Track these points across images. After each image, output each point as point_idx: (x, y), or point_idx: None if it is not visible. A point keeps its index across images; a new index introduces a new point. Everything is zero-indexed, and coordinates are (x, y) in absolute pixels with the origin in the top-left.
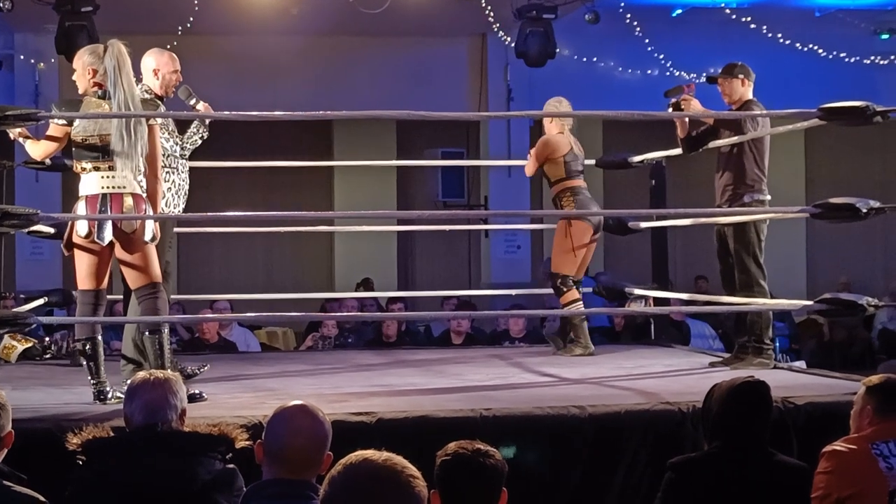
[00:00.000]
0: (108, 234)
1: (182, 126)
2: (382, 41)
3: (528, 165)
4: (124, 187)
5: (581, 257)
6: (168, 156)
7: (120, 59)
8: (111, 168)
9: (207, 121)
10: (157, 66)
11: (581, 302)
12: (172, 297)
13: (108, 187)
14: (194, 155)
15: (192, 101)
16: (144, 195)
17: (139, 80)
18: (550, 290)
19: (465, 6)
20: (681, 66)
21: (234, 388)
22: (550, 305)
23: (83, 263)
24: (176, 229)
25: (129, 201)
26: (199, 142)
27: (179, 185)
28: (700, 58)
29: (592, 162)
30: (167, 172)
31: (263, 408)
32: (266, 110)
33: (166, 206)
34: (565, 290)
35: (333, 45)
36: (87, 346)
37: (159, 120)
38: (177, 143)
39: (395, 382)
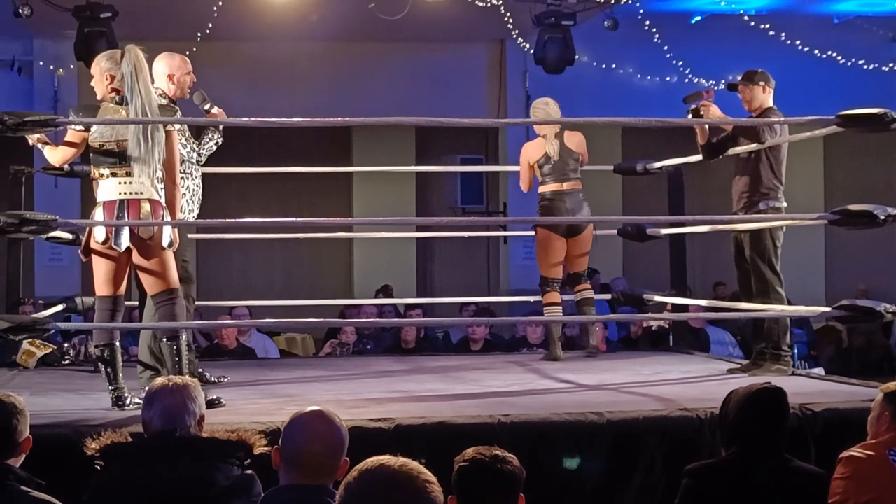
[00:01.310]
0: (125, 241)
1: (197, 132)
2: (401, 47)
3: (522, 181)
4: (141, 193)
5: (555, 260)
6: (184, 161)
7: (137, 65)
8: (128, 174)
9: (220, 126)
10: (172, 71)
11: (559, 307)
12: None
13: (125, 193)
14: (213, 161)
15: (207, 106)
16: (163, 201)
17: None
18: (570, 297)
19: (483, 13)
20: (699, 73)
21: (252, 394)
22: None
23: (101, 270)
24: (195, 235)
25: (146, 207)
26: (215, 147)
27: (194, 190)
28: (719, 65)
29: (610, 168)
30: (182, 178)
31: (282, 414)
32: (285, 116)
33: (181, 211)
34: (543, 291)
35: (352, 51)
36: (106, 353)
37: (177, 125)
38: (193, 150)
39: (413, 388)
